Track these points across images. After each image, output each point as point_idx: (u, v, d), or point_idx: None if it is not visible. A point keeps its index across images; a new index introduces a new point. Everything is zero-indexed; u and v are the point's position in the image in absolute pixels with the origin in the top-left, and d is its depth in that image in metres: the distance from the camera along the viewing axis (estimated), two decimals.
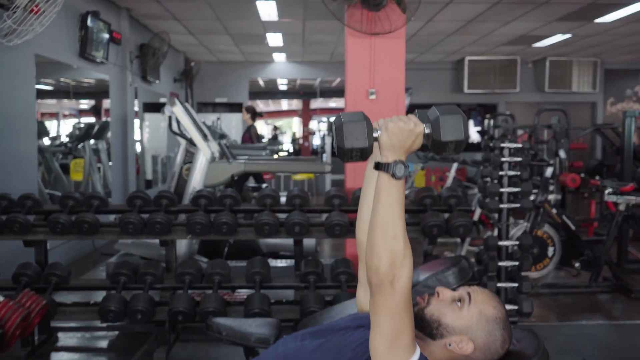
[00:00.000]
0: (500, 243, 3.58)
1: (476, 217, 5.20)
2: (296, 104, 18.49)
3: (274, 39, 8.88)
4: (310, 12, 6.99)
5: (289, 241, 4.33)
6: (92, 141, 6.77)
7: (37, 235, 3.58)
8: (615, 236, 4.97)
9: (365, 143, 1.25)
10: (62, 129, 7.77)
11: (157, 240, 3.70)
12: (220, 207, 3.66)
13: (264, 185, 6.85)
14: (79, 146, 6.74)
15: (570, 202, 6.16)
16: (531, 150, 5.16)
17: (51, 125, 7.53)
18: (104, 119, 7.39)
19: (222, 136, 6.97)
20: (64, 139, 7.21)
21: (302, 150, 16.05)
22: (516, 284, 3.57)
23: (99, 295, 3.61)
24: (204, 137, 4.39)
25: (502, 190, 3.55)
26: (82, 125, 7.36)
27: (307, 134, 17.17)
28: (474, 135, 11.32)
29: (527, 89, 11.04)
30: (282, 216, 3.67)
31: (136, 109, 7.50)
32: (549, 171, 5.03)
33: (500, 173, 3.55)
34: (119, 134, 7.00)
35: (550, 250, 5.01)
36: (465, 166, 8.04)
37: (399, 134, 1.27)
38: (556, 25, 7.84)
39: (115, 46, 6.58)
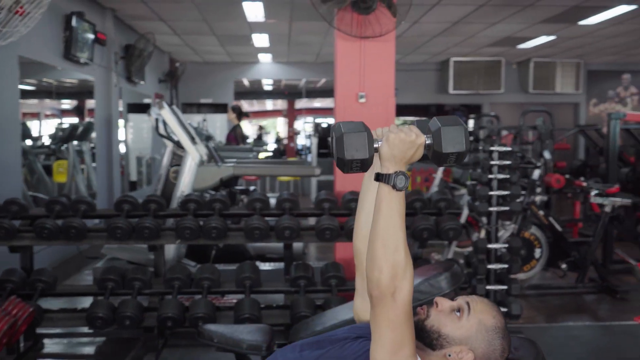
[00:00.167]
0: (490, 246, 3.60)
1: (463, 219, 5.22)
2: (281, 104, 18.45)
3: (260, 39, 8.85)
4: (296, 13, 6.98)
5: (277, 244, 4.31)
6: (75, 142, 6.69)
7: (22, 241, 3.52)
8: (601, 237, 5.01)
9: (366, 154, 1.24)
10: (43, 129, 7.66)
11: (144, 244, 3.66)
12: (209, 212, 3.63)
13: (252, 187, 6.82)
14: (63, 147, 6.65)
15: (554, 203, 6.20)
16: (518, 153, 5.19)
17: (32, 125, 7.42)
18: (87, 119, 7.30)
19: (209, 138, 6.93)
20: (46, 139, 7.11)
21: (287, 150, 16.01)
22: (505, 287, 3.60)
23: (86, 301, 3.57)
24: (192, 140, 4.35)
25: (491, 193, 3.57)
26: (65, 126, 7.26)
27: (292, 134, 17.14)
28: None
29: (511, 90, 11.12)
30: (270, 219, 3.65)
31: (120, 109, 7.43)
32: (536, 173, 5.07)
33: (490, 176, 3.57)
34: (104, 135, 6.93)
35: (538, 252, 5.05)
36: (451, 167, 8.06)
37: (400, 145, 1.27)
38: (540, 27, 7.91)
39: (100, 47, 6.51)
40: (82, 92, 7.18)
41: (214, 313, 3.34)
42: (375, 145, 1.27)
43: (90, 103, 6.91)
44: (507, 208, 3.58)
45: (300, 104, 17.44)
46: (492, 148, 3.57)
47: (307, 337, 2.47)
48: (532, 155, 5.54)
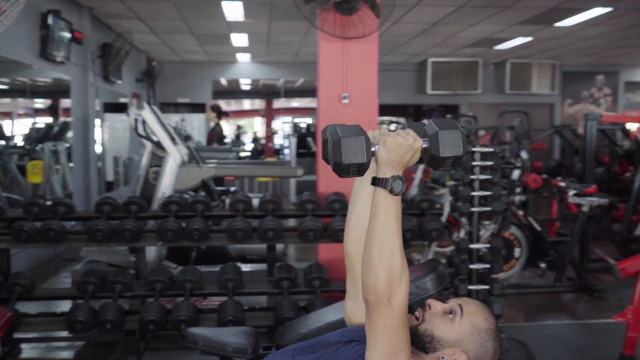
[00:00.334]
0: (472, 246, 3.62)
1: (444, 219, 5.25)
2: (258, 103, 18.37)
3: (239, 39, 8.79)
4: (276, 13, 6.95)
5: (258, 245, 4.29)
6: (50, 142, 6.57)
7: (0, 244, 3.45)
8: (578, 237, 5.09)
9: (364, 158, 1.23)
10: (16, 129, 7.51)
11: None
12: (191, 213, 3.59)
13: (232, 188, 6.77)
14: (37, 147, 6.53)
15: (530, 203, 6.28)
16: (499, 153, 5.25)
17: (4, 124, 7.26)
18: (61, 119, 7.18)
19: (187, 138, 6.87)
20: (19, 139, 6.97)
21: (266, 150, 15.96)
22: (487, 287, 3.62)
23: (64, 304, 3.50)
24: (172, 140, 4.30)
25: (473, 194, 3.59)
26: (40, 126, 7.13)
27: (270, 134, 17.09)
28: None
29: (488, 90, 11.24)
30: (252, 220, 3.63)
31: (97, 108, 7.31)
32: (516, 173, 5.12)
33: (472, 177, 3.59)
34: (80, 135, 6.81)
35: (517, 251, 5.10)
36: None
37: (397, 149, 1.26)
38: (518, 29, 8.00)
39: (77, 46, 6.39)
40: (56, 91, 7.05)
41: (196, 316, 3.30)
42: (372, 149, 1.27)
43: (65, 102, 6.79)
44: (489, 208, 3.60)
45: (279, 103, 17.39)
46: (474, 149, 3.59)
47: (294, 340, 2.47)
48: (509, 155, 5.60)
